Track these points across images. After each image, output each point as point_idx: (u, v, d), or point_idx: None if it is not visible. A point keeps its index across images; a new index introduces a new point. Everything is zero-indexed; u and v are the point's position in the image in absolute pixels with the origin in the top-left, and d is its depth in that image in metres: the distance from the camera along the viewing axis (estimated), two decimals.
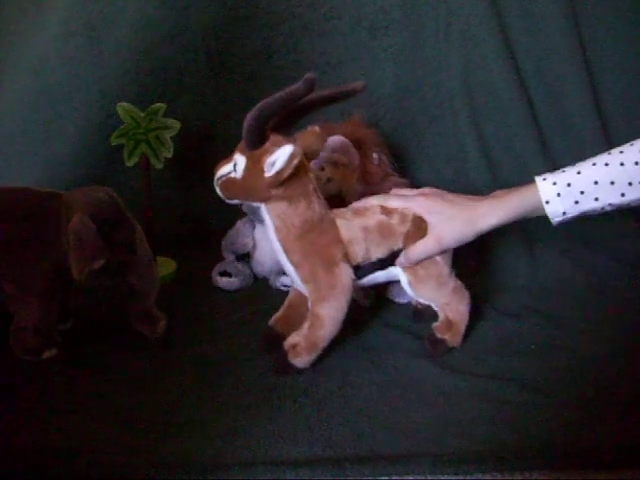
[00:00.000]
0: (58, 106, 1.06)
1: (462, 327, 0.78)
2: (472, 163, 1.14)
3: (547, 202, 0.70)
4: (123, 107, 0.91)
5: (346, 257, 0.72)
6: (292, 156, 0.64)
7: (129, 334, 0.79)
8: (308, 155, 0.71)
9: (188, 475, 0.59)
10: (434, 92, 1.13)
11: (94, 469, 0.59)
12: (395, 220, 0.73)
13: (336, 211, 0.74)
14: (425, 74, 1.12)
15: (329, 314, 0.72)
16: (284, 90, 0.64)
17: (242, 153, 0.67)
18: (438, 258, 0.75)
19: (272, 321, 0.78)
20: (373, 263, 0.74)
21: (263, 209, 0.71)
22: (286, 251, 0.71)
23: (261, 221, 0.93)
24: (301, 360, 0.72)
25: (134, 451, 0.61)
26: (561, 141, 1.14)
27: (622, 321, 0.85)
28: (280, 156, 0.64)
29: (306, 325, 0.72)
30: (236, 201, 0.71)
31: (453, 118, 1.14)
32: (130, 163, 0.93)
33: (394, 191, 0.79)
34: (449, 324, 0.78)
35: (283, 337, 0.75)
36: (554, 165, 1.14)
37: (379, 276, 0.75)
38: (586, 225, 1.03)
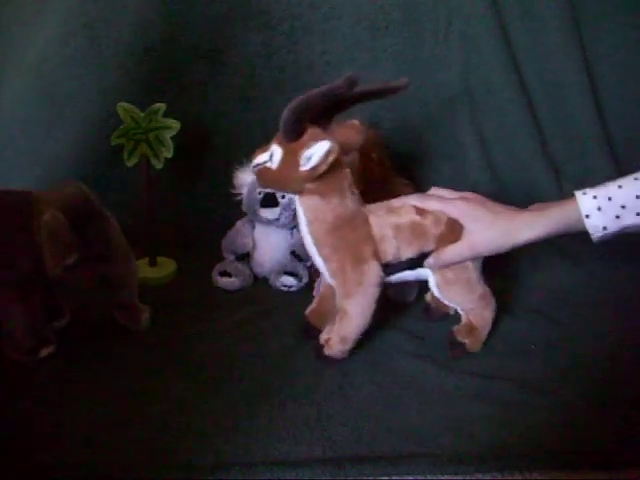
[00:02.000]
0: (58, 106, 1.06)
1: (484, 333, 0.78)
2: (472, 163, 1.14)
3: (587, 216, 0.69)
4: (123, 107, 0.91)
5: (376, 254, 0.72)
6: (328, 152, 0.64)
7: (126, 335, 0.79)
8: (345, 149, 0.70)
9: (188, 475, 0.59)
10: (434, 92, 1.13)
11: (94, 469, 0.59)
12: (428, 221, 0.73)
13: (370, 207, 0.73)
14: (425, 74, 1.12)
15: (356, 310, 0.73)
16: (325, 86, 0.63)
17: (279, 144, 0.67)
18: (469, 263, 0.74)
19: (308, 312, 0.81)
20: (403, 262, 0.73)
21: (296, 201, 0.71)
22: (317, 244, 0.71)
23: (261, 221, 0.93)
24: (336, 352, 0.74)
25: (134, 451, 0.61)
26: (561, 141, 1.14)
27: (622, 321, 0.85)
28: (316, 151, 0.64)
29: (337, 320, 0.74)
30: (271, 190, 0.71)
31: (453, 118, 1.14)
32: (130, 163, 0.92)
33: (433, 191, 0.78)
34: (471, 329, 0.77)
35: (318, 328, 0.77)
36: (554, 165, 1.15)
37: (408, 275, 0.75)
38: None
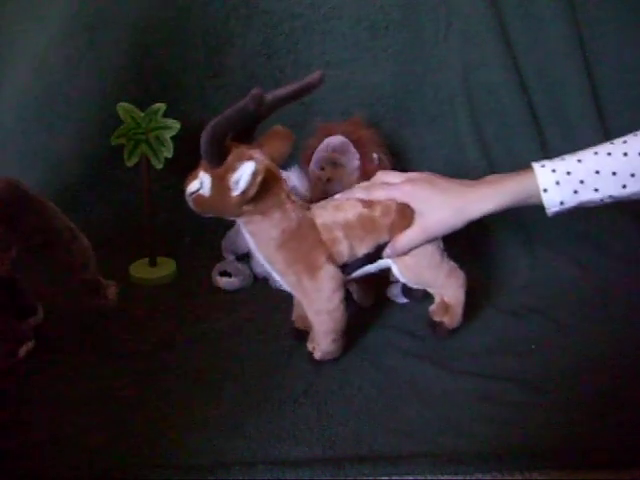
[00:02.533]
0: (58, 106, 1.06)
1: (459, 309, 0.77)
2: (472, 163, 1.14)
3: (545, 190, 0.67)
4: (123, 107, 0.91)
5: (331, 258, 0.70)
6: (255, 174, 0.62)
7: (126, 335, 0.79)
8: (276, 158, 0.68)
9: (188, 475, 0.59)
10: (434, 92, 1.12)
11: (94, 469, 0.59)
12: (377, 212, 0.71)
13: (316, 206, 0.72)
14: (425, 74, 1.12)
15: (321, 318, 0.72)
16: (232, 107, 0.62)
17: (206, 171, 0.65)
18: (427, 244, 0.73)
19: (293, 318, 0.81)
20: (360, 259, 0.72)
21: (239, 224, 0.70)
22: (269, 262, 0.71)
23: None
24: (323, 356, 0.74)
25: (134, 451, 0.61)
26: (561, 141, 1.14)
27: (622, 321, 0.85)
28: (242, 174, 0.62)
29: (312, 329, 0.74)
30: (211, 215, 0.69)
31: (453, 118, 1.14)
32: (130, 163, 0.92)
33: (379, 175, 0.76)
34: (445, 307, 0.77)
35: (307, 331, 0.77)
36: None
37: (370, 268, 0.74)
38: (586, 224, 1.03)
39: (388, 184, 0.73)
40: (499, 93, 1.10)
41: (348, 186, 0.90)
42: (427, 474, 0.59)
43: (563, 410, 0.67)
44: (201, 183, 0.65)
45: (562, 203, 0.67)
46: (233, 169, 0.63)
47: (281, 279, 0.72)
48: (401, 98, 1.12)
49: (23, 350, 0.74)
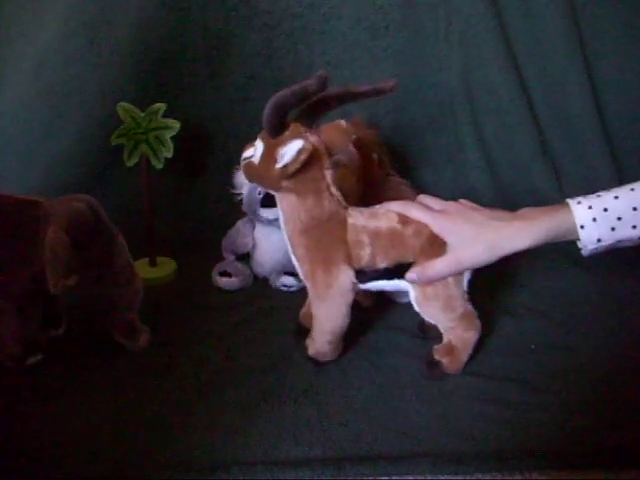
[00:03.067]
0: (58, 106, 1.06)
1: (464, 355, 0.74)
2: (472, 163, 1.14)
3: (582, 227, 0.65)
4: (123, 107, 0.91)
5: (348, 259, 0.70)
6: (300, 151, 0.64)
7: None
8: (330, 150, 0.69)
9: (188, 475, 0.59)
10: (434, 92, 1.13)
11: (94, 469, 0.59)
12: (409, 231, 0.70)
13: (352, 211, 0.71)
14: (425, 74, 1.12)
15: (324, 314, 0.72)
16: (298, 84, 0.64)
17: (262, 139, 0.67)
18: (450, 279, 0.71)
19: (301, 314, 0.81)
20: (378, 270, 0.71)
21: (276, 198, 0.71)
22: (291, 244, 0.71)
23: (261, 221, 0.93)
24: (314, 353, 0.75)
25: (134, 451, 0.61)
26: (561, 141, 1.14)
27: (622, 321, 0.85)
28: (289, 150, 0.64)
29: (312, 323, 0.74)
30: (255, 183, 0.72)
31: (453, 118, 1.14)
32: (130, 163, 0.92)
33: (421, 198, 0.75)
34: (450, 349, 0.74)
35: (307, 329, 0.77)
36: (554, 165, 1.15)
37: (385, 285, 0.73)
38: None
39: (427, 207, 0.72)
40: (499, 93, 1.11)
41: (348, 186, 0.90)
42: (427, 474, 0.59)
43: (563, 410, 0.67)
44: (255, 150, 0.68)
45: (599, 240, 0.66)
46: (284, 143, 0.65)
47: (297, 265, 0.73)
48: (401, 98, 1.12)
49: (31, 359, 0.74)
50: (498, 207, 0.74)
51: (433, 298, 0.71)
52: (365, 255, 0.70)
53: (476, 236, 0.68)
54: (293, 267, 0.92)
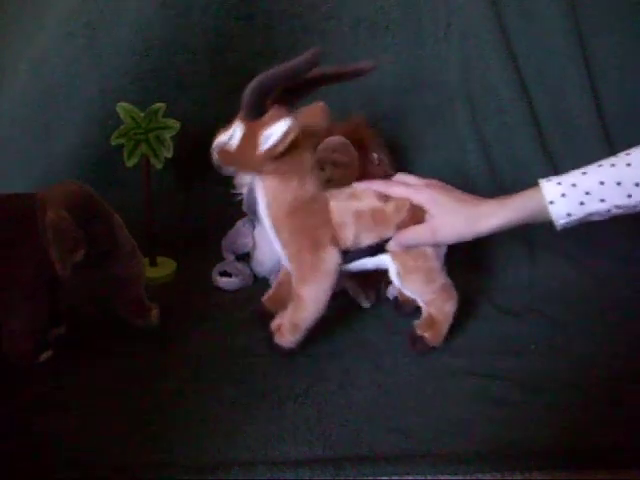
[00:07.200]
0: (58, 106, 1.06)
1: (444, 327, 0.76)
2: (472, 163, 1.14)
3: (551, 202, 0.68)
4: (123, 107, 0.91)
5: (335, 241, 0.71)
6: (287, 132, 0.63)
7: (127, 335, 0.79)
8: (310, 131, 0.69)
9: (188, 475, 0.59)
10: (434, 92, 1.13)
11: (94, 469, 0.59)
12: (390, 208, 0.72)
13: (332, 192, 0.72)
14: (425, 74, 1.12)
15: (310, 295, 0.72)
16: (286, 63, 0.63)
17: (241, 121, 0.66)
18: (429, 251, 0.73)
19: (264, 298, 0.80)
20: (362, 249, 0.72)
21: (255, 182, 0.70)
22: (275, 228, 0.71)
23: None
24: (285, 341, 0.74)
25: (134, 451, 0.61)
26: (561, 141, 1.14)
27: (622, 321, 0.85)
28: (275, 131, 0.63)
29: (290, 306, 0.73)
30: (231, 170, 0.70)
31: (453, 118, 1.14)
32: (130, 163, 0.93)
33: (399, 176, 0.77)
34: (431, 322, 0.76)
35: (273, 315, 0.76)
36: (554, 165, 1.14)
37: (367, 263, 0.74)
38: (586, 224, 1.02)
39: (407, 184, 0.75)
40: (499, 93, 1.11)
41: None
42: (427, 474, 0.59)
43: (563, 410, 0.67)
44: (232, 133, 0.67)
45: (569, 215, 0.68)
46: (267, 125, 0.64)
47: (281, 250, 0.72)
48: (401, 98, 1.12)
49: (44, 356, 0.75)
50: None
51: (414, 271, 0.73)
52: (350, 235, 0.71)
53: (457, 208, 0.71)
54: None
